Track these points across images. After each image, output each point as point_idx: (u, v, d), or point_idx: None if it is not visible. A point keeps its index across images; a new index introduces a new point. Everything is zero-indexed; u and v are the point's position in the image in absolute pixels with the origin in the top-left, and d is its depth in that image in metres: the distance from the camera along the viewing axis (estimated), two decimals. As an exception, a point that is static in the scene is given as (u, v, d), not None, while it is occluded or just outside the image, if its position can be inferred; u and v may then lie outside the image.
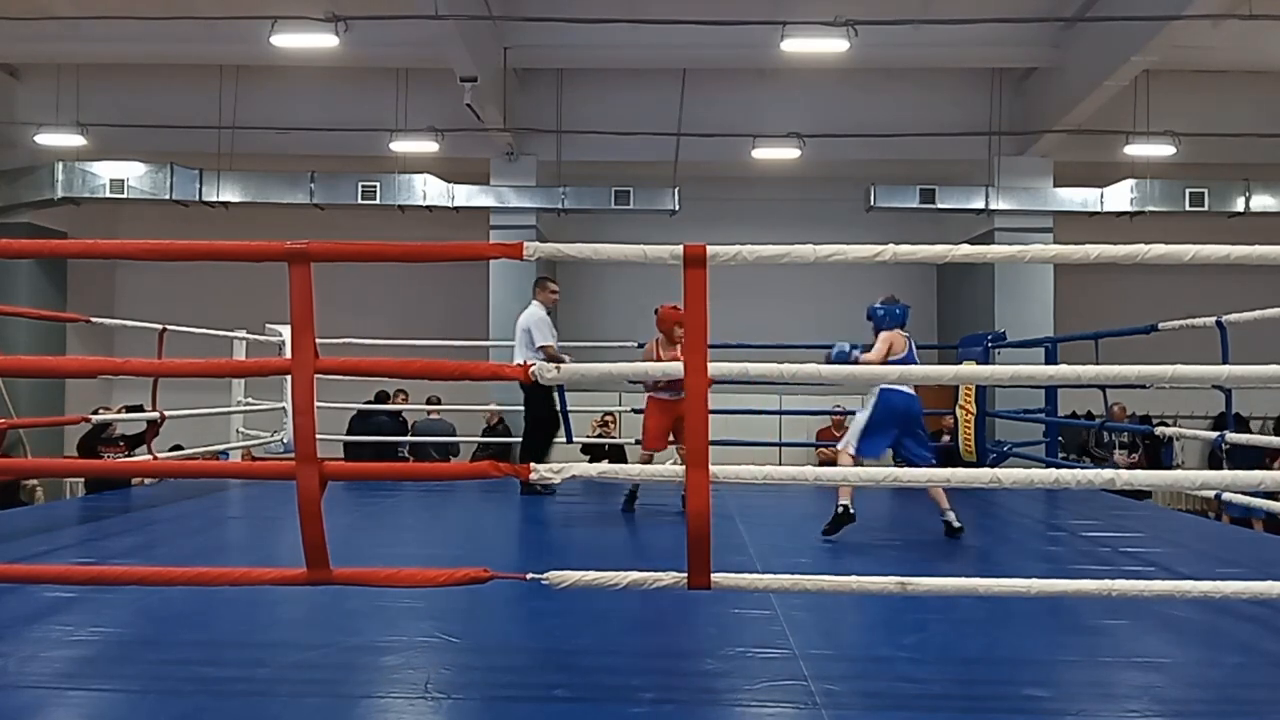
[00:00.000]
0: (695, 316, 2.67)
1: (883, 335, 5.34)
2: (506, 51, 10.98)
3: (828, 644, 3.22)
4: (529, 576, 2.79)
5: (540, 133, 11.96)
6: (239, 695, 2.74)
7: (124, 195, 12.00)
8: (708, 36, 10.15)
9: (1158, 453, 10.50)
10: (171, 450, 8.58)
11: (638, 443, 9.16)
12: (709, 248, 2.68)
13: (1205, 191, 11.68)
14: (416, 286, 13.76)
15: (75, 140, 11.87)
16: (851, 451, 5.27)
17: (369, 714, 2.65)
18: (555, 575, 2.75)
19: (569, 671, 2.96)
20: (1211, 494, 5.68)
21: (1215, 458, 9.32)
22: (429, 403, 10.47)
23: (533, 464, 2.79)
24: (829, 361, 5.13)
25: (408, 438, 10.10)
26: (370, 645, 3.14)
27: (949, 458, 9.06)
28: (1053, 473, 2.90)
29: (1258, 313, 5.02)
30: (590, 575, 2.75)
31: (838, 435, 10.42)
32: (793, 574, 2.93)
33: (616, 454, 9.85)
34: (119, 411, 8.00)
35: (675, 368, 2.82)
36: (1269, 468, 8.30)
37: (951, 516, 5.23)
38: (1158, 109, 11.17)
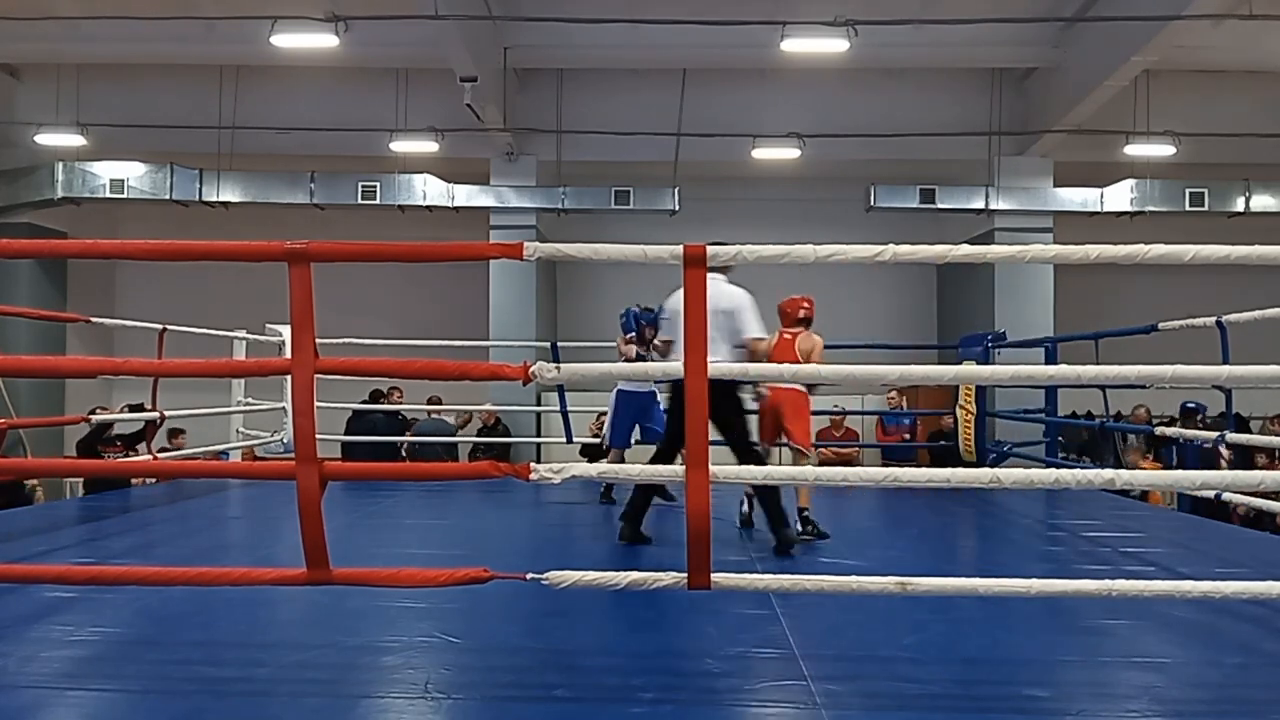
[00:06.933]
0: (694, 316, 2.67)
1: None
2: (506, 51, 10.98)
3: (828, 644, 3.22)
4: (529, 576, 2.78)
5: (540, 133, 11.96)
6: (239, 695, 2.74)
7: (124, 195, 12.00)
8: (708, 36, 10.15)
9: (1158, 453, 10.49)
10: (160, 452, 8.56)
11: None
12: (709, 248, 2.68)
13: (1205, 191, 11.68)
14: (416, 286, 13.75)
15: (75, 140, 11.86)
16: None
17: (369, 714, 2.65)
18: (555, 575, 2.75)
19: (569, 671, 2.96)
20: (1211, 494, 5.67)
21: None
22: (430, 402, 10.45)
23: (532, 465, 2.78)
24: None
25: (407, 437, 10.07)
26: (370, 645, 3.14)
27: (949, 458, 9.05)
28: (1053, 473, 2.90)
29: (1258, 313, 5.02)
30: (590, 575, 2.74)
31: (838, 435, 10.41)
32: (793, 574, 2.93)
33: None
34: (120, 411, 7.99)
35: (676, 367, 2.81)
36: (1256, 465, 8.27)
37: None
38: (1158, 109, 11.17)
